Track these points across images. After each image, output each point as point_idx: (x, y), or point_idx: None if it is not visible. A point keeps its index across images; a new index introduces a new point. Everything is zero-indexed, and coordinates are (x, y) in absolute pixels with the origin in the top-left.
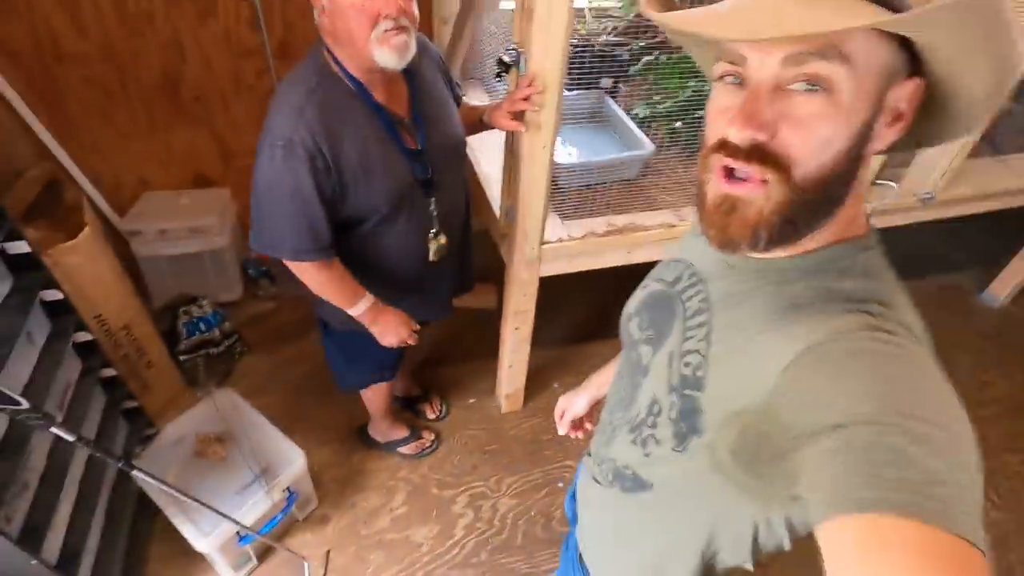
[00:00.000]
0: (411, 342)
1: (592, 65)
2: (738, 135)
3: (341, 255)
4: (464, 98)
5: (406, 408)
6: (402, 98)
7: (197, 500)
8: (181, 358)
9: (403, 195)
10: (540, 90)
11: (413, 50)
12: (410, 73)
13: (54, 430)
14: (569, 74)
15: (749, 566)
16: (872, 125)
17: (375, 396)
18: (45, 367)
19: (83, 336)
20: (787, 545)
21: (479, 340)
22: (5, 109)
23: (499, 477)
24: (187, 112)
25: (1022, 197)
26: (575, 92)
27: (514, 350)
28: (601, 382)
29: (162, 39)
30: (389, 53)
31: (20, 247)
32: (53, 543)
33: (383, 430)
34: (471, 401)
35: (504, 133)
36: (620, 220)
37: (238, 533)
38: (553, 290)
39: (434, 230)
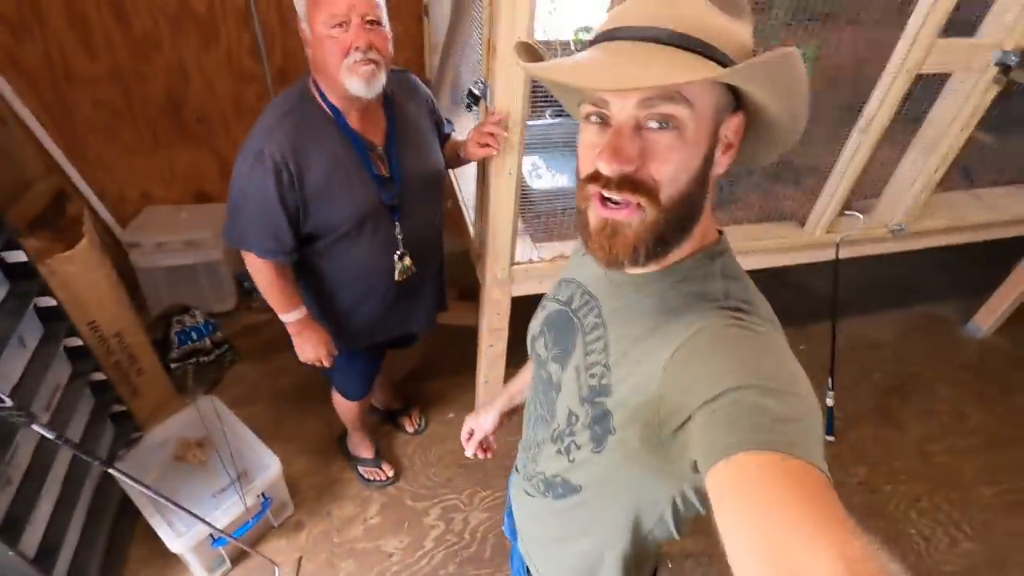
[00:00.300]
0: (326, 364)
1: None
2: (608, 168)
3: (308, 264)
4: (453, 132)
5: (387, 421)
6: (379, 127)
7: (170, 501)
8: (172, 366)
9: (367, 216)
10: (504, 132)
11: (381, 81)
12: (390, 106)
13: (36, 427)
14: (547, 101)
15: (676, 536)
16: (713, 153)
17: (342, 407)
18: (35, 369)
19: (74, 342)
20: (702, 510)
21: (462, 356)
22: (18, 126)
23: (472, 491)
24: (190, 132)
25: (995, 230)
26: (558, 119)
27: (490, 366)
28: (512, 393)
29: (167, 63)
30: (357, 81)
31: (18, 256)
32: (32, 537)
33: (353, 442)
34: (450, 416)
35: None
36: None
37: (211, 535)
38: (531, 308)
39: (399, 252)
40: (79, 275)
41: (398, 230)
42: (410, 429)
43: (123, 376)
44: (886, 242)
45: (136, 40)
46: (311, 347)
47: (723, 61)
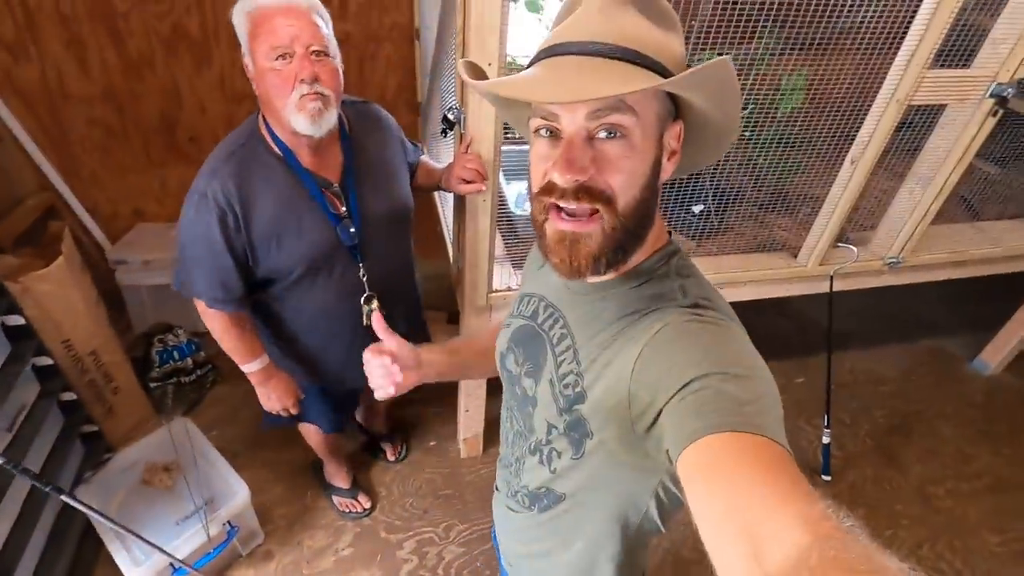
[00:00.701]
0: (292, 412)
1: None
2: (561, 178)
3: (266, 309)
4: (423, 157)
5: (368, 444)
6: (334, 164)
7: (125, 528)
8: (151, 385)
9: (324, 258)
10: (481, 170)
11: (330, 119)
12: (348, 140)
13: None
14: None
15: (663, 529)
16: (660, 160)
17: (312, 438)
18: None
19: (44, 360)
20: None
21: (447, 384)
22: (13, 143)
23: (449, 524)
24: (182, 151)
25: (998, 265)
26: None
27: (470, 395)
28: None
29: (161, 84)
30: (304, 119)
31: None
32: None
33: (328, 471)
34: (431, 443)
35: None
36: None
37: (172, 565)
38: None
39: (366, 294)
40: (54, 293)
41: (362, 272)
42: (391, 457)
43: (98, 395)
44: (883, 275)
45: (131, 61)
46: (276, 397)
47: (663, 72)
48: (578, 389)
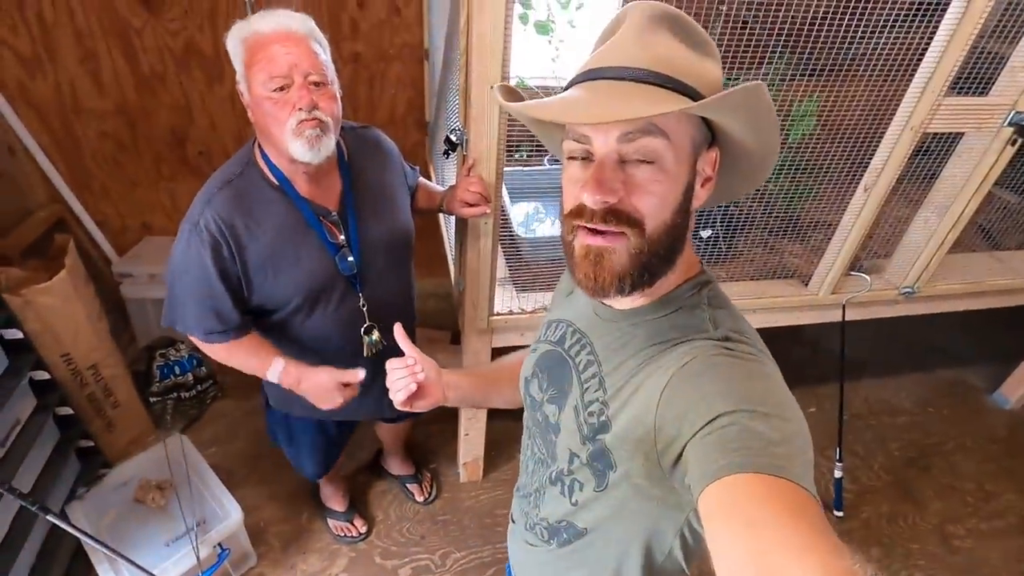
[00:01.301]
0: (351, 395)
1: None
2: (591, 200)
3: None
4: (421, 179)
5: (400, 487)
6: (333, 192)
7: (112, 550)
8: (151, 400)
9: (321, 288)
10: (484, 193)
11: (328, 145)
12: (347, 169)
13: None
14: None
15: (687, 571)
16: (692, 186)
17: None
18: None
19: (42, 375)
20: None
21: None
22: (26, 155)
23: (446, 551)
24: (191, 165)
25: (1019, 296)
26: (555, 166)
27: (470, 418)
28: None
29: (173, 99)
30: (302, 146)
31: None
32: None
33: (324, 494)
34: (431, 467)
35: None
36: None
37: None
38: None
39: (366, 325)
40: (56, 306)
41: (361, 301)
42: (420, 498)
43: (97, 409)
44: (897, 305)
45: (144, 77)
46: (322, 394)
47: (695, 96)
48: (603, 418)
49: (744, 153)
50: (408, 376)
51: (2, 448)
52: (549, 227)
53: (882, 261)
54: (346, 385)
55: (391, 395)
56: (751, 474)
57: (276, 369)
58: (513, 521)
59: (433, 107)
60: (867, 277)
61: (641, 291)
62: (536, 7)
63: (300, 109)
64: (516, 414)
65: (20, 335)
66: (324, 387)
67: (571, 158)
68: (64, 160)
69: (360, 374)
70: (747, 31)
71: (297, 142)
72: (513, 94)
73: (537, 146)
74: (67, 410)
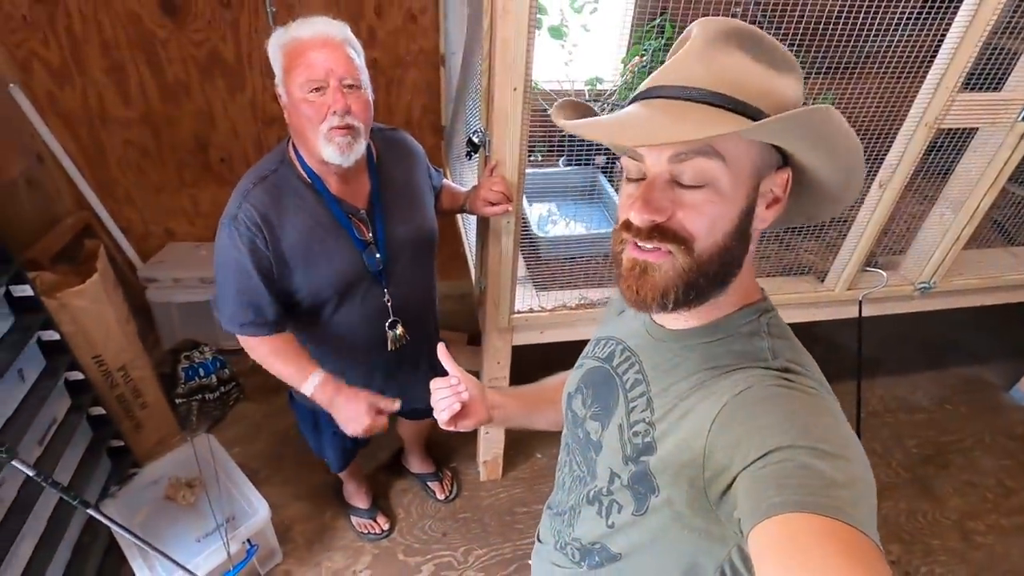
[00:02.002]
0: (380, 424)
1: (586, 143)
2: (637, 217)
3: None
4: (446, 181)
5: (421, 485)
6: (362, 191)
7: (149, 544)
8: (177, 401)
9: (350, 283)
10: (507, 192)
11: (359, 150)
12: (375, 170)
13: (17, 464)
14: (563, 152)
15: None
16: (752, 208)
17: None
18: (31, 403)
19: (76, 375)
20: None
21: None
22: (54, 164)
23: (468, 548)
24: (214, 172)
25: None
26: (570, 167)
27: None
28: (522, 395)
29: (196, 107)
30: (333, 150)
31: (24, 290)
32: (10, 575)
33: (347, 491)
34: (452, 465)
35: None
36: (594, 294)
37: None
38: (537, 357)
39: (390, 320)
40: (88, 309)
41: (387, 297)
42: (440, 496)
43: (126, 410)
44: (913, 300)
45: (168, 86)
46: (352, 416)
47: (756, 117)
48: (648, 439)
49: (820, 177)
50: (452, 396)
51: (41, 446)
52: (563, 228)
53: (897, 257)
54: (379, 412)
55: (436, 414)
56: (810, 514)
57: (313, 382)
58: (540, 541)
59: (449, 111)
60: (883, 273)
61: (687, 309)
62: (550, 12)
63: (334, 113)
64: None
65: (57, 336)
66: (358, 410)
67: (627, 176)
68: (90, 168)
69: (396, 404)
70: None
71: (329, 146)
72: (575, 108)
73: (552, 147)
74: (99, 410)
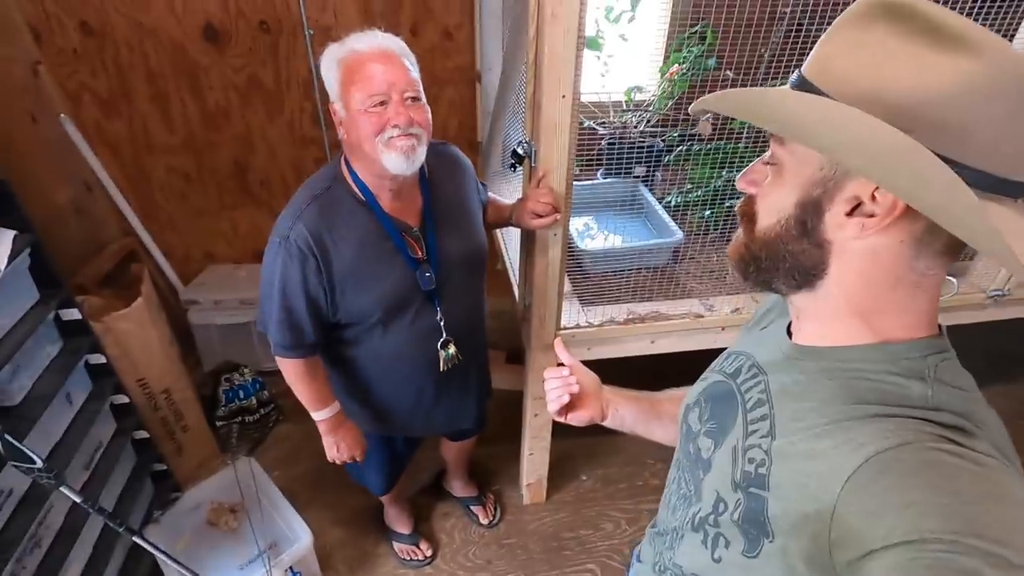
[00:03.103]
0: (359, 460)
1: (626, 154)
2: (738, 184)
3: (338, 353)
4: (491, 195)
5: (463, 510)
6: (414, 208)
7: (192, 572)
8: (217, 424)
9: (401, 302)
10: (555, 204)
11: (421, 156)
12: (427, 183)
13: (64, 491)
14: (603, 164)
15: None
16: (816, 205)
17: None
18: (78, 427)
19: (121, 399)
20: None
21: (507, 423)
22: (101, 191)
23: None
24: (252, 194)
25: None
26: (609, 179)
27: (534, 437)
28: (639, 400)
29: (235, 132)
30: (396, 157)
31: (72, 314)
32: None
33: (389, 516)
34: (494, 488)
35: None
36: (642, 308)
37: None
38: None
39: (443, 339)
40: (133, 332)
41: (439, 316)
42: (484, 520)
43: (169, 433)
44: (985, 309)
45: (209, 112)
46: (346, 447)
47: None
48: (762, 470)
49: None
50: (562, 386)
51: (87, 471)
52: (602, 241)
53: (966, 263)
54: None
55: (547, 404)
56: None
57: (332, 411)
58: (640, 561)
59: (486, 127)
60: (953, 280)
61: (750, 283)
62: (585, 23)
63: (396, 126)
64: (579, 433)
65: (103, 359)
66: (350, 442)
67: None
68: (134, 194)
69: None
70: (802, 32)
71: (391, 154)
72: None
73: (590, 159)
74: (143, 434)
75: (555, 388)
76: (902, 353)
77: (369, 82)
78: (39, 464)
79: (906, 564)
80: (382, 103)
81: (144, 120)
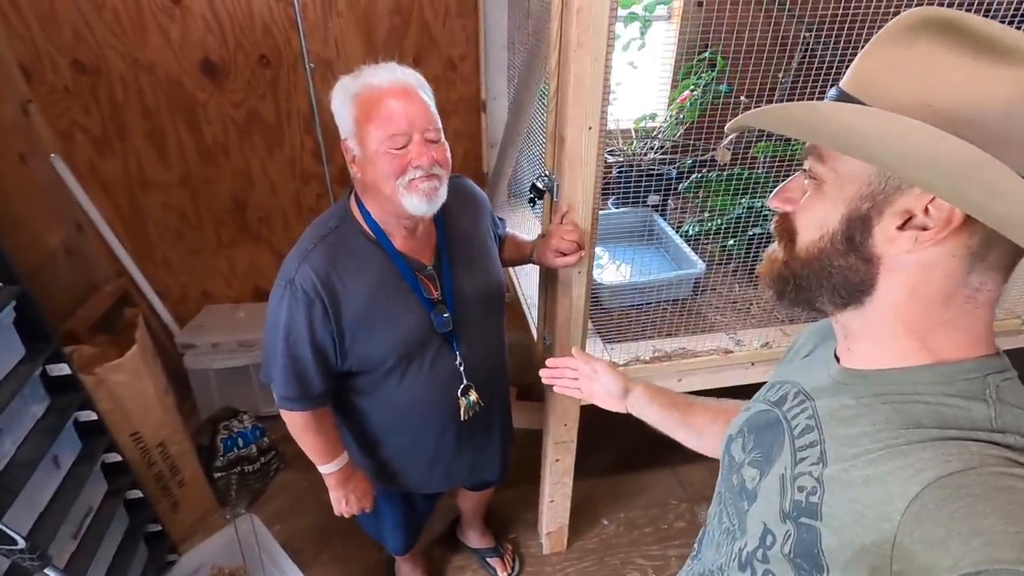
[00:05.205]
0: (368, 510)
1: (638, 183)
2: (770, 203)
3: (348, 403)
4: (510, 230)
5: (480, 562)
6: (428, 245)
7: None
8: (216, 475)
9: (416, 346)
10: (580, 242)
11: (443, 197)
12: (441, 221)
13: (48, 572)
14: (614, 193)
15: None
16: (865, 220)
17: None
18: (66, 492)
19: (113, 457)
20: None
21: (523, 463)
22: (92, 232)
23: None
24: (251, 231)
25: None
26: (621, 209)
27: (555, 483)
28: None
29: (234, 167)
30: (418, 200)
31: (61, 369)
32: None
33: (402, 571)
34: (512, 536)
35: None
36: (668, 345)
37: None
38: (603, 413)
39: (463, 385)
40: (127, 384)
41: (459, 360)
42: (502, 574)
43: (164, 489)
44: (1020, 335)
45: (206, 148)
46: (355, 500)
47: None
48: (813, 498)
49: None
50: (557, 377)
51: (75, 540)
52: (614, 272)
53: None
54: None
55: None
56: None
57: (337, 464)
58: None
59: (492, 157)
60: None
61: (786, 302)
62: None
63: (419, 167)
64: (599, 474)
65: (94, 416)
66: (358, 496)
67: None
68: (128, 234)
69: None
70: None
71: (412, 196)
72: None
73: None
74: (136, 493)
75: (555, 377)
76: (959, 373)
77: (389, 121)
78: (21, 545)
79: None
80: (403, 144)
81: (139, 157)
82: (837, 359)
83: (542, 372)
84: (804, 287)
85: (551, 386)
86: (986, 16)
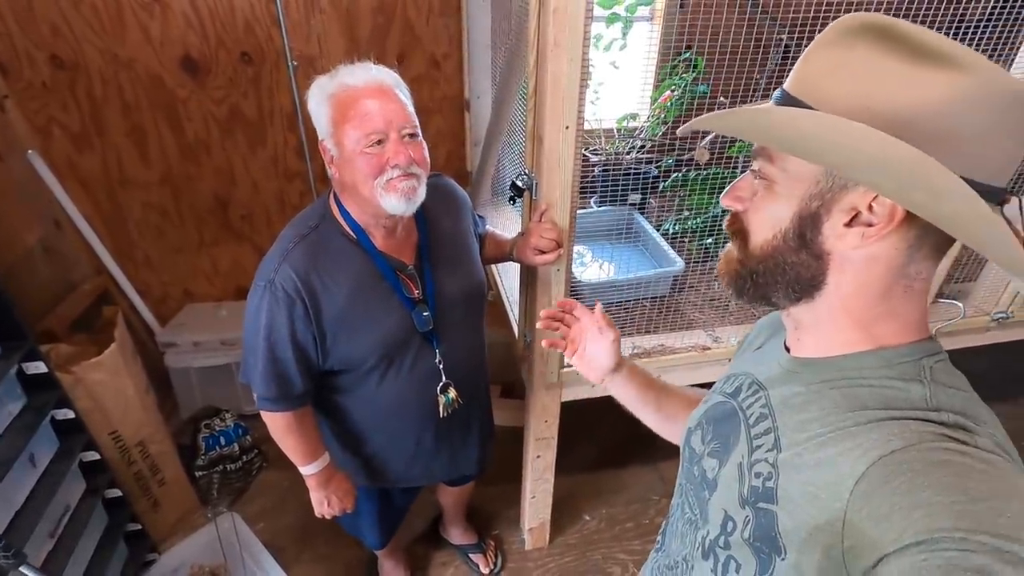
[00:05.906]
0: (349, 511)
1: (619, 182)
2: (722, 202)
3: (329, 402)
4: (490, 228)
5: (463, 558)
6: (409, 244)
7: None
8: (197, 474)
9: (397, 345)
10: (559, 240)
11: (421, 196)
12: (422, 220)
13: (24, 571)
14: (595, 191)
15: None
16: (814, 217)
17: None
18: (43, 491)
19: (91, 455)
20: None
21: (505, 460)
22: (72, 229)
23: None
24: (234, 229)
25: None
26: (602, 208)
27: (537, 480)
28: (643, 376)
29: (216, 165)
30: (396, 199)
31: (38, 367)
32: None
33: (384, 568)
34: (494, 533)
35: None
36: (648, 342)
37: None
38: (584, 410)
39: (442, 383)
40: (106, 382)
41: (438, 359)
42: (485, 570)
43: (144, 488)
44: (989, 332)
45: (188, 145)
46: (336, 500)
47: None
48: (770, 483)
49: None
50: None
51: (52, 538)
52: (596, 271)
53: (967, 285)
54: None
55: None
56: None
57: (318, 465)
58: None
59: (475, 156)
60: (960, 305)
61: (744, 298)
62: None
63: (396, 166)
64: (581, 470)
65: (72, 415)
66: (341, 495)
67: None
68: (108, 231)
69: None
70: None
71: (391, 196)
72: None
73: (581, 189)
74: (115, 492)
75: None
76: (898, 357)
77: (365, 120)
78: None
79: (919, 565)
80: (379, 142)
81: (119, 154)
82: (787, 349)
83: (543, 312)
84: (761, 284)
85: (541, 340)
86: (922, 24)
